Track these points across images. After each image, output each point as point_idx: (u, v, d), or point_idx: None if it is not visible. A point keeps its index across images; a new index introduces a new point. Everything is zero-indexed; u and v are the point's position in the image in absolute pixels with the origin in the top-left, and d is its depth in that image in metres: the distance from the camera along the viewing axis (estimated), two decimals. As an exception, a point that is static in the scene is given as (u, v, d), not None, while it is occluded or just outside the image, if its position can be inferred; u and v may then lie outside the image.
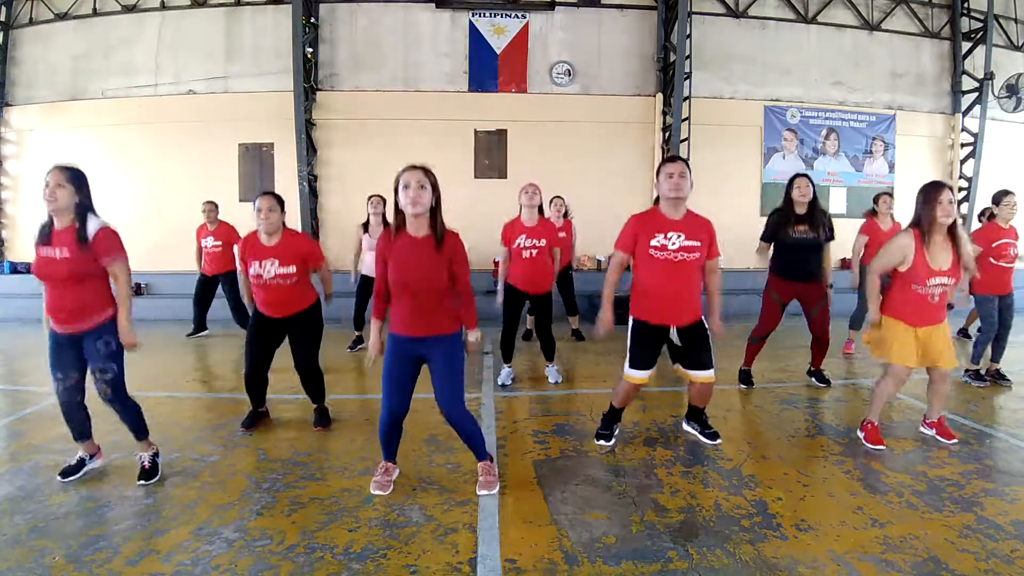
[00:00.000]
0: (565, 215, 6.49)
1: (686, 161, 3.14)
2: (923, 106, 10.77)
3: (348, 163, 9.61)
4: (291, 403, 4.19)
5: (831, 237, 4.38)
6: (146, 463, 2.89)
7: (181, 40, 9.62)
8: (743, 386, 4.63)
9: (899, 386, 3.34)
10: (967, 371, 4.78)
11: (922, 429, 3.53)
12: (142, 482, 2.82)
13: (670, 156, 3.21)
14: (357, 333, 6.25)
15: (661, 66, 9.90)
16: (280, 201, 3.53)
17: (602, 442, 3.35)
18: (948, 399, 3.75)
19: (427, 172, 2.51)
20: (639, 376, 3.17)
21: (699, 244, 3.02)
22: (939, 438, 3.43)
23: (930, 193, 3.10)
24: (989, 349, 4.72)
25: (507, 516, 2.50)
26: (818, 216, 4.30)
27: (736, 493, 2.72)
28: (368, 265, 6.06)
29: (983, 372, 4.75)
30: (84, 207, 2.70)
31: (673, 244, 2.99)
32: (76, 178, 2.70)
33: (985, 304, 4.67)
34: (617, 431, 3.45)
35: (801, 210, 4.28)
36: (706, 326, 3.14)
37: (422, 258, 2.52)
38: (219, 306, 7.01)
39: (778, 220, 4.37)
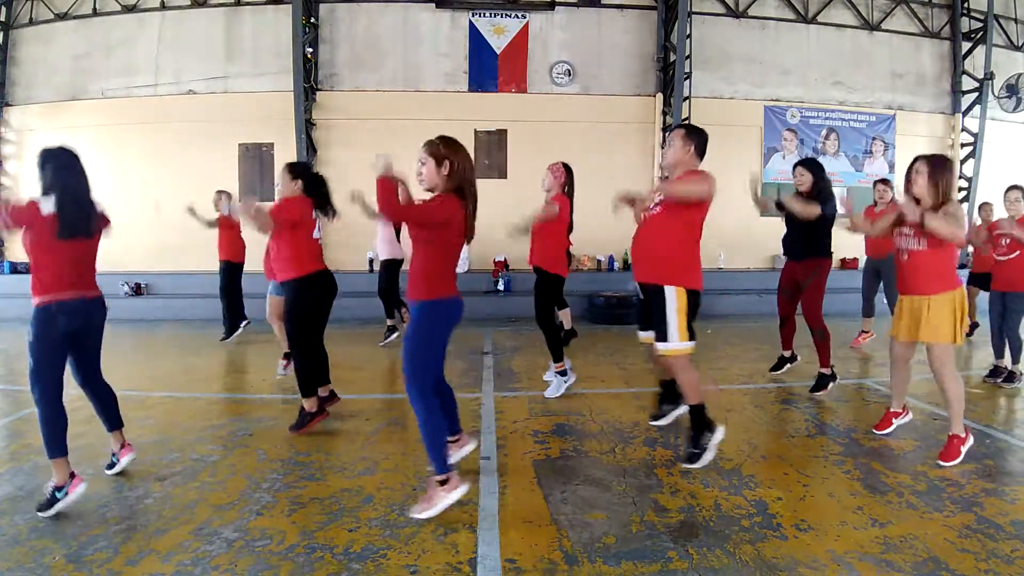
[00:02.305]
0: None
1: (687, 127, 3.13)
2: (923, 106, 10.77)
3: (348, 163, 9.59)
4: (291, 403, 4.18)
5: (824, 206, 4.21)
6: (47, 491, 2.53)
7: (181, 40, 9.62)
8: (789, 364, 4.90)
9: (895, 364, 3.39)
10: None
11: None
12: (39, 513, 2.49)
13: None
14: (389, 322, 6.22)
15: (661, 66, 9.90)
16: (292, 170, 3.76)
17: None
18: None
19: (430, 145, 2.47)
20: (640, 335, 3.35)
21: (662, 198, 3.04)
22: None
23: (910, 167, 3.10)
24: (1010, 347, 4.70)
25: (507, 516, 2.50)
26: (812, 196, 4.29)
27: (736, 493, 2.72)
28: (385, 250, 6.04)
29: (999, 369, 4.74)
30: (46, 190, 2.57)
31: (652, 203, 3.11)
32: (40, 162, 2.60)
33: (989, 297, 4.77)
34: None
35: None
36: (666, 299, 2.97)
37: None
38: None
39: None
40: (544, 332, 4.43)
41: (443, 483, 2.45)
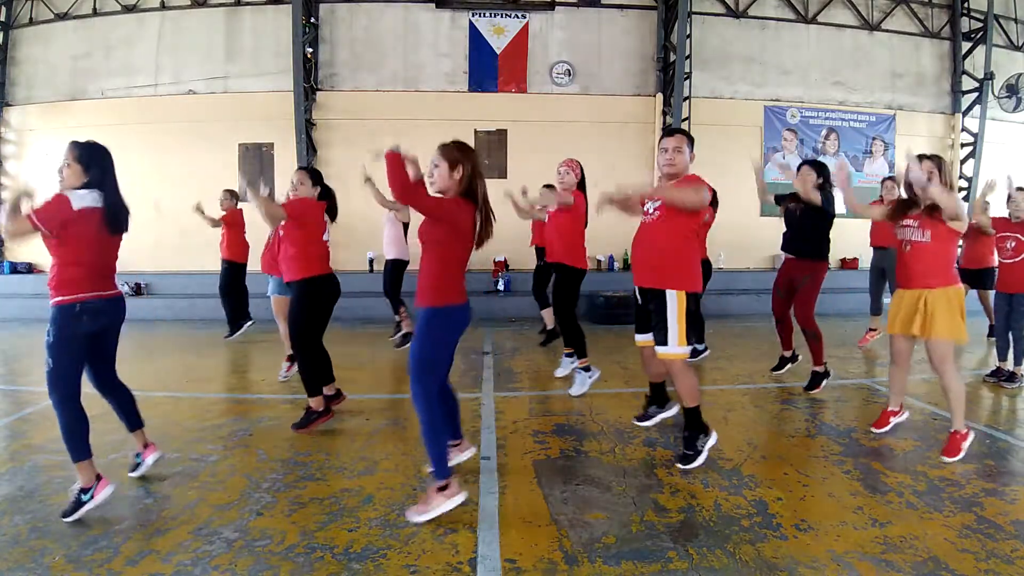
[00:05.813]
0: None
1: (686, 133, 3.14)
2: (923, 106, 10.76)
3: (348, 163, 9.58)
4: (291, 403, 4.18)
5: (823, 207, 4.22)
6: (71, 495, 2.49)
7: (181, 40, 9.61)
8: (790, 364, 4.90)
9: (895, 361, 3.39)
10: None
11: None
12: (64, 519, 2.44)
13: (668, 129, 3.16)
14: (397, 319, 6.23)
15: (661, 66, 9.90)
16: (314, 177, 3.95)
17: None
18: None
19: (445, 149, 2.49)
20: (637, 338, 3.31)
21: (661, 203, 3.02)
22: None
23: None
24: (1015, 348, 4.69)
25: (507, 516, 2.50)
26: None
27: (736, 493, 2.72)
28: (391, 250, 6.03)
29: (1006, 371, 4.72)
30: (92, 185, 2.54)
31: (650, 210, 3.08)
32: (83, 155, 2.57)
33: (995, 298, 4.79)
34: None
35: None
36: (668, 302, 2.98)
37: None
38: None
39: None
40: (565, 328, 4.46)
41: (442, 488, 2.44)
